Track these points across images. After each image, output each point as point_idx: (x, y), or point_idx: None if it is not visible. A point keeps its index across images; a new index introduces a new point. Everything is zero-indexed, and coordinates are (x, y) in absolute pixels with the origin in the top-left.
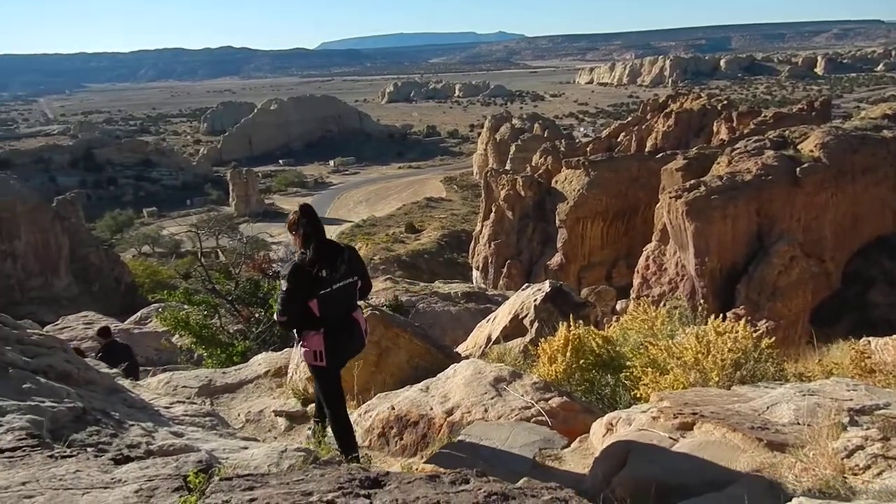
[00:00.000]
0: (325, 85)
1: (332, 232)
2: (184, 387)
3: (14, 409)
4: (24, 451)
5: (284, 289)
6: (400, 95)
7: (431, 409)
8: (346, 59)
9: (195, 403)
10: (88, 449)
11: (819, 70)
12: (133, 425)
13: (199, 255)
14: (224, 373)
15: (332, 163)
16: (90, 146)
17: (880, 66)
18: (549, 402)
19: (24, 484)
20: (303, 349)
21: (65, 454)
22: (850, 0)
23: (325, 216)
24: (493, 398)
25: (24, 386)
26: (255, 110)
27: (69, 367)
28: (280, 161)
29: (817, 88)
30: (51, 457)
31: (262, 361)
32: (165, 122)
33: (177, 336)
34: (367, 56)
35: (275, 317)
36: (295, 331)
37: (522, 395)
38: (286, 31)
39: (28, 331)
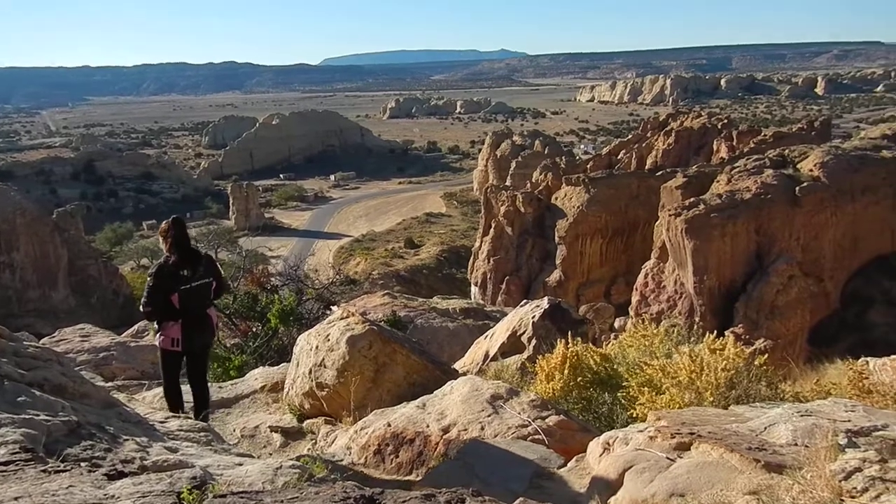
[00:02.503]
0: (327, 100)
1: (331, 246)
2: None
3: (8, 422)
4: (17, 465)
5: (150, 284)
6: (401, 111)
7: (428, 426)
8: (348, 74)
9: (190, 418)
10: (82, 464)
11: (819, 90)
12: (127, 440)
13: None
14: (220, 387)
15: (332, 177)
16: (91, 158)
17: (880, 87)
18: (546, 420)
19: (16, 499)
20: (161, 336)
21: (58, 469)
22: (850, 22)
23: (324, 230)
24: (489, 416)
25: (18, 399)
26: (257, 125)
27: (64, 380)
28: (281, 175)
29: (817, 108)
30: (44, 471)
31: (258, 376)
32: (167, 136)
33: None
34: (370, 72)
35: (140, 307)
36: (156, 322)
37: (519, 413)
38: (289, 46)
39: (24, 343)
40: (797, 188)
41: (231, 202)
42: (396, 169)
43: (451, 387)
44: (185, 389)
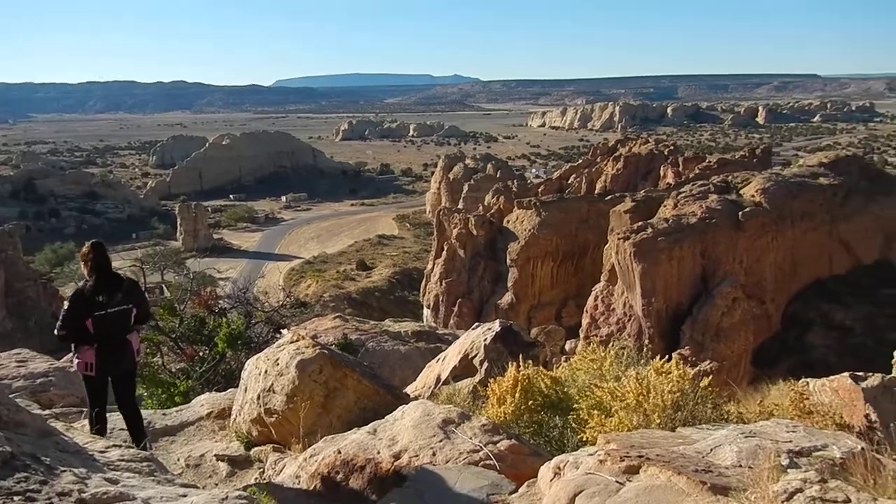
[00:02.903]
0: (280, 121)
1: (282, 268)
2: (121, 429)
3: None
4: None
5: (65, 308)
6: (354, 134)
7: (378, 452)
8: (301, 96)
9: (132, 447)
10: (15, 497)
11: (760, 119)
12: (65, 471)
13: (144, 290)
14: (164, 414)
15: (284, 198)
16: (32, 177)
17: (817, 117)
18: (498, 445)
19: None
20: (76, 360)
21: None
22: (789, 55)
23: (275, 252)
24: (441, 441)
25: None
26: (207, 144)
27: None
28: (231, 196)
29: (758, 137)
30: None
31: (204, 402)
32: (113, 155)
33: None
34: (323, 94)
35: (55, 331)
36: (73, 345)
37: (471, 438)
38: (241, 67)
39: None
40: (740, 213)
41: (179, 223)
42: (349, 190)
43: (403, 412)
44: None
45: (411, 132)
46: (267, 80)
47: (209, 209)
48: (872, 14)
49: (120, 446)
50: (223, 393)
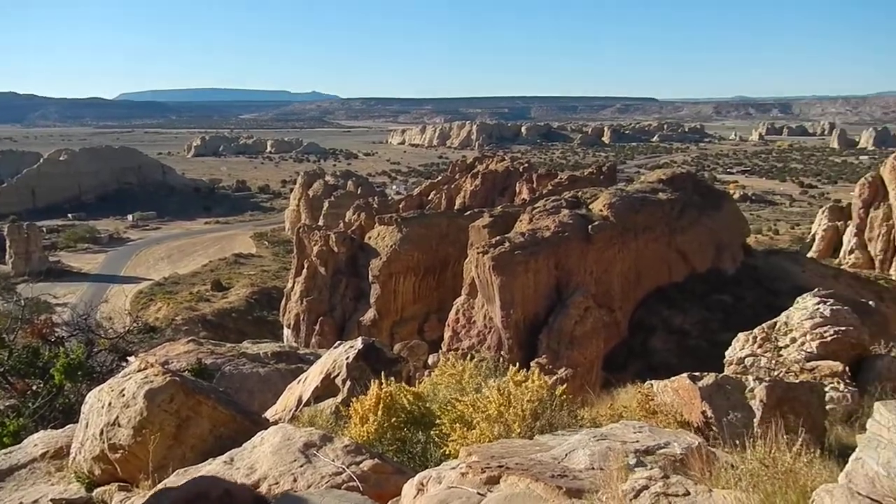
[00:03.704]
0: (125, 136)
1: (128, 291)
2: None
3: None
4: None
5: None
6: (208, 149)
7: (236, 482)
8: (148, 110)
9: None
10: None
11: (606, 139)
12: None
13: None
14: None
15: (130, 217)
16: None
17: (655, 137)
18: (361, 465)
19: None
20: None
21: None
22: (630, 80)
23: (121, 274)
24: (302, 466)
25: None
26: (41, 160)
27: None
28: (69, 215)
29: (605, 155)
30: None
31: (38, 442)
32: None
33: None
34: (173, 109)
35: None
36: None
37: (333, 461)
38: (81, 79)
39: None
40: (590, 226)
41: (8, 244)
42: (202, 208)
43: (262, 438)
44: None
45: (269, 148)
46: (110, 92)
47: (44, 229)
48: (703, 46)
49: None
50: (61, 430)
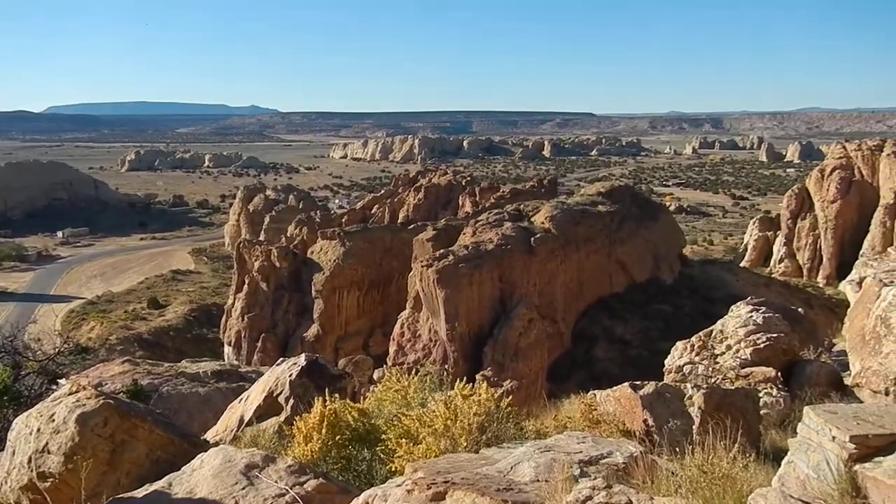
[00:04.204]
0: (54, 150)
1: (59, 311)
2: None
3: None
4: None
5: None
6: (143, 164)
7: None
8: (78, 124)
9: None
10: None
11: (546, 153)
12: None
13: None
14: None
15: (60, 234)
16: None
17: (594, 151)
18: (305, 485)
19: None
20: None
21: None
22: (569, 95)
23: (50, 293)
24: (244, 488)
25: None
26: None
27: None
28: None
29: (545, 168)
30: None
31: None
32: None
33: None
34: (105, 122)
35: None
36: None
37: (276, 482)
38: (5, 91)
39: None
40: (532, 239)
41: None
42: (137, 224)
43: (202, 460)
44: None
45: (207, 163)
46: (38, 105)
47: None
48: (638, 61)
49: None
50: None
